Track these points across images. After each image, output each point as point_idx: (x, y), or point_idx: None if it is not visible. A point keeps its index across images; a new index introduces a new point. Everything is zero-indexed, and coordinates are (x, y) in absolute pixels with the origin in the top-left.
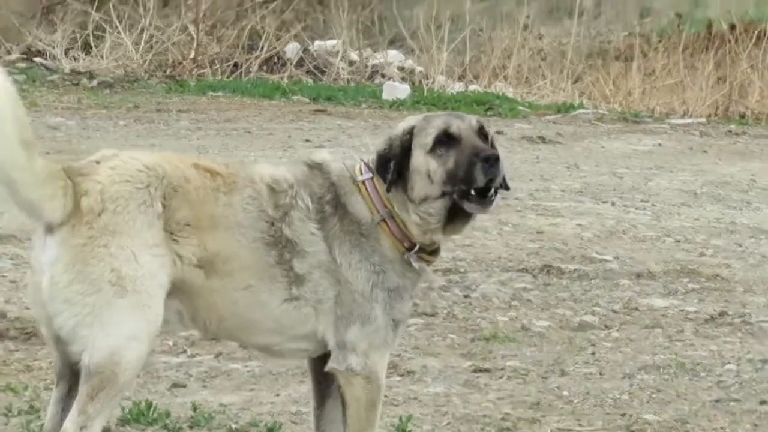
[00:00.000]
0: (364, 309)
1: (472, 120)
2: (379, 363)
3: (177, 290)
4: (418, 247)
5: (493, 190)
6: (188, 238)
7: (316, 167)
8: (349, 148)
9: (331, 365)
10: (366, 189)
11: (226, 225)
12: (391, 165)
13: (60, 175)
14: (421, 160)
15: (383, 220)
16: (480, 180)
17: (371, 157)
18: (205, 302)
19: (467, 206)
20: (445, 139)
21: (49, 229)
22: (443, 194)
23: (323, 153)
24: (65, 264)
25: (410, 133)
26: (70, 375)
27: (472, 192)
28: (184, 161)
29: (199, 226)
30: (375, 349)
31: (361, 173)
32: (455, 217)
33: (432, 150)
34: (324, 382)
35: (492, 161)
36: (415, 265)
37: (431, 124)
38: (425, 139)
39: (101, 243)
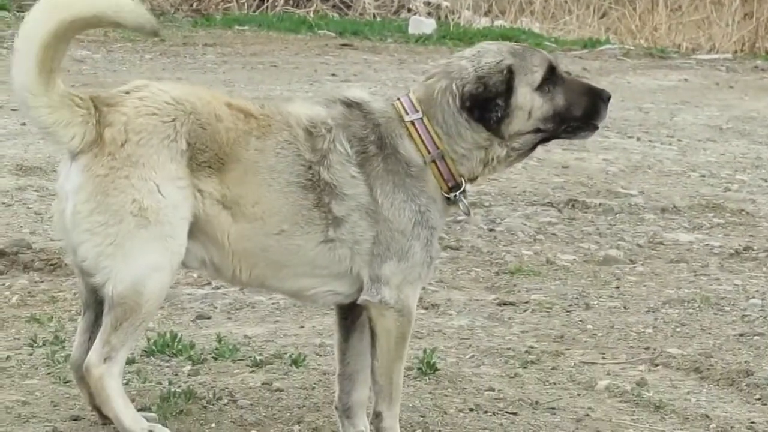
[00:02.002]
0: (402, 246)
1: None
2: (412, 297)
3: (202, 234)
4: (464, 186)
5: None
6: (212, 177)
7: (355, 107)
8: (376, 83)
9: (363, 297)
10: (416, 129)
11: (256, 169)
12: (499, 102)
13: (81, 102)
14: (527, 97)
15: (433, 160)
16: (604, 115)
17: (412, 96)
18: (234, 250)
19: (580, 136)
20: (551, 77)
21: (73, 157)
22: (537, 130)
23: (358, 91)
24: (87, 194)
25: (509, 70)
26: (96, 305)
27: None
28: (217, 98)
29: (226, 167)
30: (408, 284)
31: (407, 113)
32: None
33: (540, 87)
34: (350, 317)
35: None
36: (465, 204)
37: (532, 61)
38: (532, 76)
39: (123, 174)
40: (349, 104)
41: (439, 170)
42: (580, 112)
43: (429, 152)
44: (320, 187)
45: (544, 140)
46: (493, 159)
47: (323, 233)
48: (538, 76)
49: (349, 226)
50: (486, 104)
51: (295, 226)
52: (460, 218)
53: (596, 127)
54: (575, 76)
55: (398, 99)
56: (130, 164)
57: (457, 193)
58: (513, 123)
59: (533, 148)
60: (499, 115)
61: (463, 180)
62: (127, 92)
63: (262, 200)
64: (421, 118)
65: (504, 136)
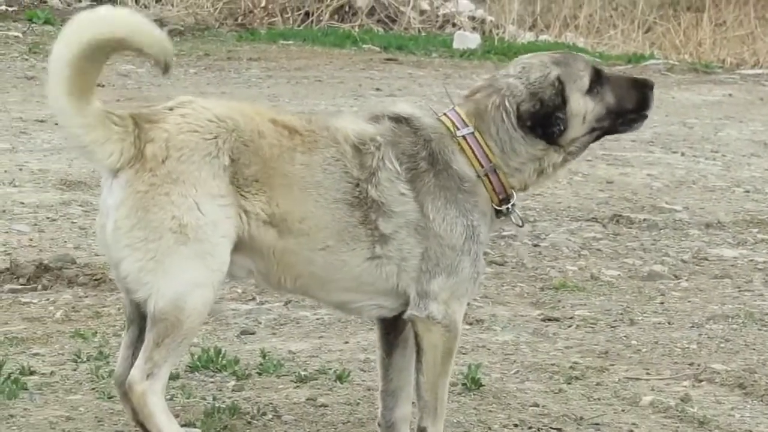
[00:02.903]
0: (452, 261)
1: None
2: (459, 312)
3: (247, 248)
4: (515, 198)
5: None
6: (257, 195)
7: (404, 122)
8: (421, 98)
9: (411, 312)
10: (468, 144)
11: (302, 185)
12: (560, 116)
13: (118, 120)
14: (580, 102)
15: (486, 174)
16: (652, 103)
17: (459, 111)
18: (279, 262)
19: (634, 127)
20: (597, 78)
21: (115, 172)
22: (593, 130)
23: (406, 106)
24: (128, 209)
25: (559, 81)
26: (140, 320)
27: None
28: (261, 114)
29: (271, 183)
30: (456, 299)
31: (458, 128)
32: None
33: (589, 90)
34: (393, 332)
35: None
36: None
37: (577, 66)
38: (581, 82)
39: (163, 191)
40: (398, 120)
41: (491, 184)
42: (631, 105)
43: (482, 166)
44: (367, 205)
45: (598, 138)
46: (549, 167)
47: (369, 250)
48: (586, 80)
49: (397, 243)
50: (547, 120)
51: (341, 243)
52: (505, 233)
53: (646, 116)
54: (614, 72)
55: (445, 114)
56: (170, 181)
57: (509, 206)
58: (571, 130)
59: (588, 146)
60: (562, 128)
61: (513, 192)
62: (171, 108)
63: (308, 216)
64: (473, 133)
65: (563, 145)
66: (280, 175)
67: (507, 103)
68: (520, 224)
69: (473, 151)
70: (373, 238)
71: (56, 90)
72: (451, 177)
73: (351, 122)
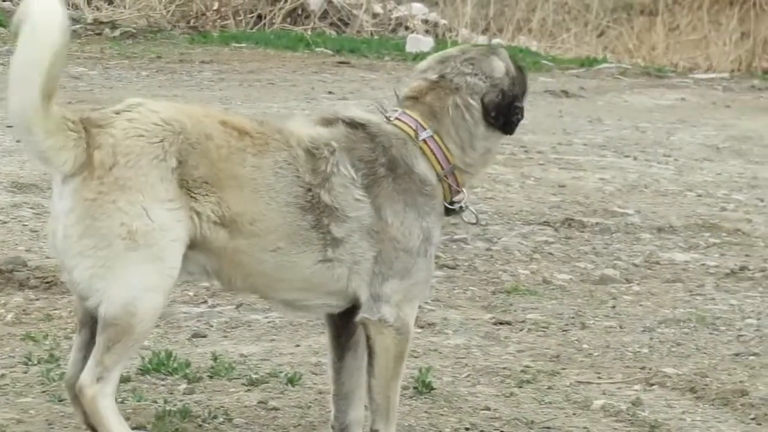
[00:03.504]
0: (406, 264)
1: None
2: (411, 315)
3: (200, 248)
4: (465, 195)
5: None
6: (207, 196)
7: (360, 128)
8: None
9: (363, 315)
10: (429, 147)
11: (252, 187)
12: (518, 105)
13: (72, 126)
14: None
15: (445, 175)
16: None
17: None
18: (230, 261)
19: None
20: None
21: (64, 178)
22: None
23: (359, 111)
24: (77, 217)
25: (507, 70)
26: (92, 323)
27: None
28: (211, 117)
29: (220, 185)
30: (408, 302)
31: (416, 132)
32: None
33: None
34: (344, 335)
35: None
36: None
37: (504, 56)
38: (513, 69)
39: (110, 198)
40: (353, 125)
41: (449, 184)
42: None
43: (442, 168)
44: (319, 209)
45: None
46: (492, 158)
47: (321, 253)
48: (513, 67)
49: (349, 247)
50: (508, 110)
51: (292, 245)
52: (456, 236)
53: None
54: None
55: (398, 118)
56: (117, 188)
57: (462, 204)
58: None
59: None
60: (520, 116)
61: (463, 188)
62: (118, 112)
63: (258, 218)
64: (432, 136)
65: (513, 133)
66: (229, 177)
67: (471, 100)
68: (474, 221)
69: (434, 154)
70: (324, 241)
71: (27, 95)
72: (412, 181)
73: (304, 126)
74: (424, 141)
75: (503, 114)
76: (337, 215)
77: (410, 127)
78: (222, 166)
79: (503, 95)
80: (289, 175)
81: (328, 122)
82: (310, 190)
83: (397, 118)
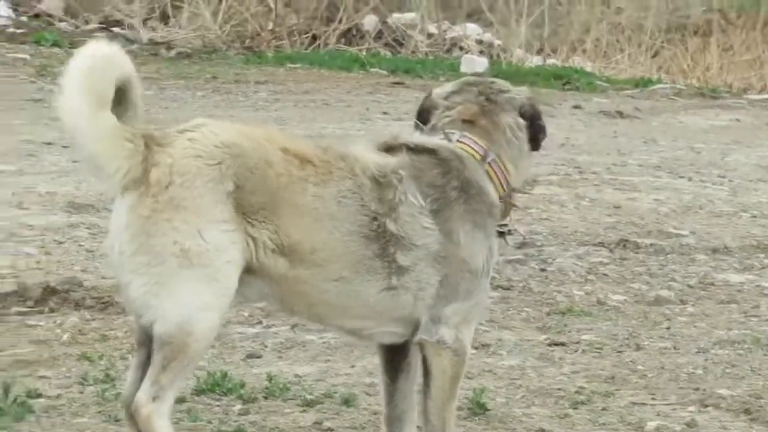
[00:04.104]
0: (470, 286)
1: None
2: (468, 336)
3: (258, 273)
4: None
5: None
6: (264, 223)
7: (427, 153)
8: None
9: (421, 337)
10: (493, 169)
11: (314, 216)
12: (542, 124)
13: (130, 137)
14: None
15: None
16: None
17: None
18: (291, 290)
19: None
20: None
21: (121, 194)
22: None
23: (422, 136)
24: (131, 234)
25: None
26: (149, 342)
27: None
28: (273, 141)
29: (278, 213)
30: (467, 323)
31: (481, 155)
32: None
33: None
34: (397, 357)
35: None
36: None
37: None
38: None
39: (165, 217)
40: (420, 151)
41: (511, 205)
42: None
43: (505, 190)
44: (385, 238)
45: None
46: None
47: (386, 281)
48: None
49: (415, 275)
50: (541, 129)
51: (356, 274)
52: (511, 258)
53: None
54: None
55: (459, 141)
56: (172, 207)
57: (510, 227)
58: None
59: None
60: (544, 134)
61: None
62: (182, 132)
63: (320, 248)
64: (493, 159)
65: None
66: (289, 206)
67: (518, 119)
68: (526, 236)
69: (497, 176)
70: (390, 269)
71: (74, 92)
72: (483, 202)
73: (368, 152)
74: (489, 164)
75: (543, 132)
76: (403, 244)
77: (474, 150)
78: (282, 194)
79: (533, 108)
80: (353, 204)
81: (391, 148)
82: (375, 219)
83: (459, 141)
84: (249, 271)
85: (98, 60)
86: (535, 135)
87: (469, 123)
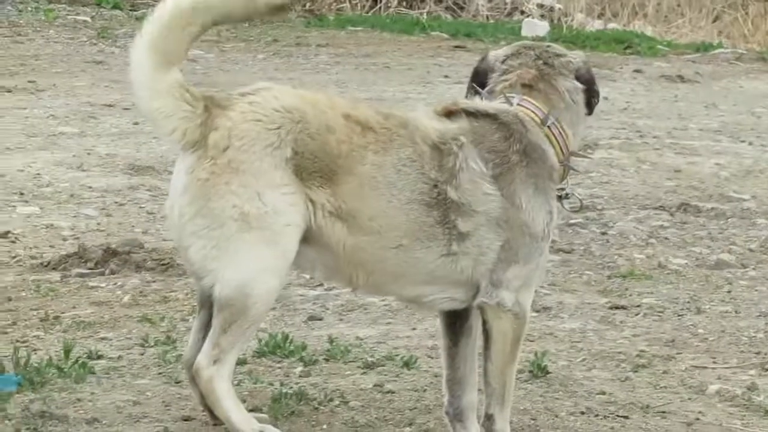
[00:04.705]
0: (531, 249)
1: None
2: (528, 300)
3: (315, 241)
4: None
5: None
6: (321, 188)
7: (488, 118)
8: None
9: (481, 300)
10: (553, 133)
11: (372, 184)
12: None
13: (189, 99)
14: None
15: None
16: None
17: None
18: (349, 259)
19: None
20: None
21: (182, 156)
22: None
23: (483, 102)
24: (191, 197)
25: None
26: (211, 304)
27: None
28: (335, 108)
29: (337, 180)
30: (527, 287)
31: (542, 119)
32: None
33: None
34: (458, 321)
35: None
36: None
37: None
38: None
39: (223, 180)
40: (480, 116)
41: (569, 169)
42: None
43: (564, 154)
44: (446, 205)
45: None
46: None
47: (446, 247)
48: None
49: (476, 240)
50: (597, 92)
51: (416, 242)
52: (572, 221)
53: None
54: None
55: (519, 104)
56: (230, 170)
57: (567, 190)
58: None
59: None
60: (598, 99)
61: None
62: (243, 95)
63: (379, 215)
64: (554, 123)
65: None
66: (348, 173)
67: (576, 83)
68: (578, 207)
69: (557, 140)
70: (450, 236)
71: (142, 46)
72: (545, 166)
73: (429, 118)
74: (548, 127)
75: (597, 96)
76: (464, 210)
77: (535, 114)
78: (341, 162)
79: (589, 72)
80: (413, 172)
81: (450, 113)
82: (435, 186)
83: (519, 104)
84: (307, 239)
85: (169, 16)
86: (590, 99)
87: (527, 87)
